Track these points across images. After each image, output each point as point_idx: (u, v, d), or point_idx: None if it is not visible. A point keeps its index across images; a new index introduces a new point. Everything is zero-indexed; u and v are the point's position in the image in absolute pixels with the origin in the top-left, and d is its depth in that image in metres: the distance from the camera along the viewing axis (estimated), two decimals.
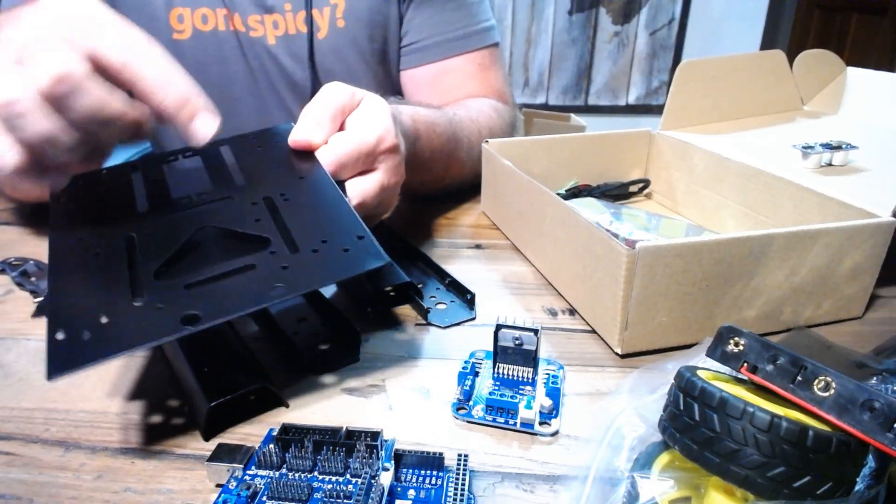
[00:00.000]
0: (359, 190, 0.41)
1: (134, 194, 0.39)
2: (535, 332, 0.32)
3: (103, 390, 0.34)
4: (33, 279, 0.45)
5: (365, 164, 0.41)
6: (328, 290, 0.45)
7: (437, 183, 0.62)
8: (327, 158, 0.39)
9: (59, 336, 0.28)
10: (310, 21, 0.68)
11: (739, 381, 0.25)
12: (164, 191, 0.39)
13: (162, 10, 0.66)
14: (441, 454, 0.26)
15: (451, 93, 0.71)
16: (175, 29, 0.67)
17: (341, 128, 0.42)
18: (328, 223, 0.34)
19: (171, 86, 0.35)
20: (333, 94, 0.41)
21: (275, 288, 0.30)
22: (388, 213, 0.48)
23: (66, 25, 0.33)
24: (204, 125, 0.36)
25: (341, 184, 0.40)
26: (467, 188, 0.65)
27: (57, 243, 0.35)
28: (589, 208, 0.54)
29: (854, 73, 0.61)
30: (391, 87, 0.76)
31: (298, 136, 0.40)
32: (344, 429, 0.27)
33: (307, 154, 0.40)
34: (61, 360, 0.26)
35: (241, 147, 0.43)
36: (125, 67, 0.34)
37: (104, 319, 0.29)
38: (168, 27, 0.67)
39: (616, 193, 0.61)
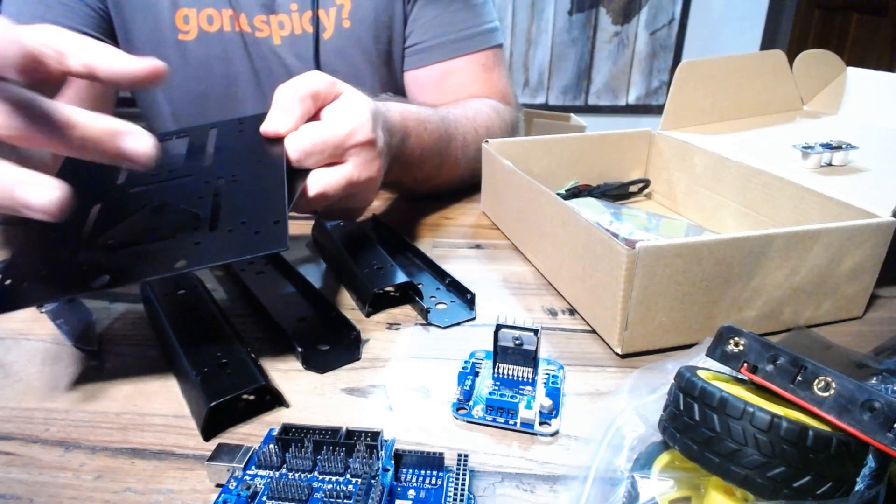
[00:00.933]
0: (322, 181, 0.41)
1: (119, 169, 0.41)
2: (535, 332, 0.32)
3: (103, 390, 0.34)
4: None
5: (332, 156, 0.41)
6: (328, 290, 0.45)
7: (429, 181, 0.61)
8: (292, 146, 0.40)
9: (6, 283, 0.32)
10: (316, 21, 0.68)
11: (739, 381, 0.25)
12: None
13: (167, 11, 0.66)
14: (441, 454, 0.26)
15: (454, 94, 0.71)
16: (180, 30, 0.67)
17: (318, 117, 0.43)
18: (257, 206, 0.36)
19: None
20: (306, 80, 0.42)
21: (178, 261, 0.32)
22: (366, 208, 0.48)
23: None
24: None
25: (305, 172, 0.41)
26: (467, 188, 0.65)
27: None
28: (589, 208, 0.54)
29: (854, 73, 0.61)
30: (396, 88, 0.76)
31: (267, 125, 0.41)
32: (344, 429, 0.27)
33: (277, 140, 0.41)
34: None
35: (226, 131, 0.45)
36: None
37: (43, 273, 0.33)
38: (173, 28, 0.67)
39: (616, 193, 0.61)
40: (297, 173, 0.40)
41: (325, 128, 0.41)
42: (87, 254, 0.34)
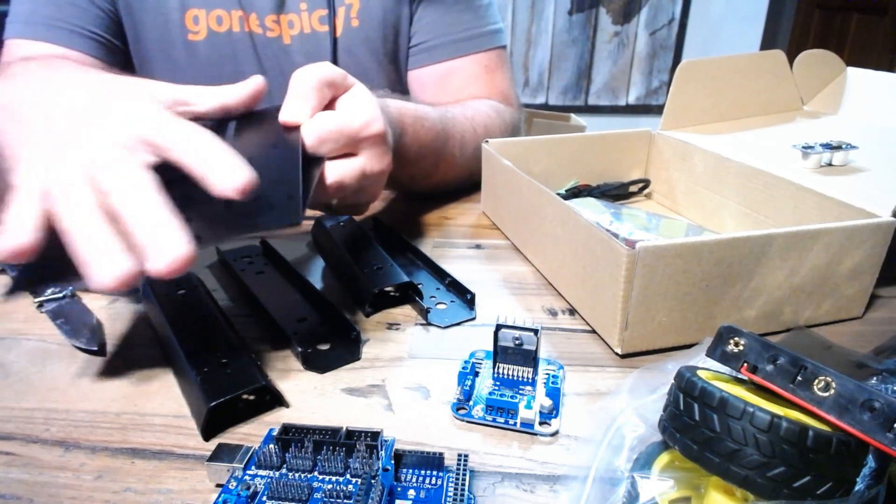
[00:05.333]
0: (338, 171, 0.41)
1: None
2: (535, 332, 0.32)
3: (103, 390, 0.34)
4: None
5: (347, 146, 0.42)
6: (328, 290, 0.45)
7: (426, 179, 0.61)
8: (309, 131, 0.40)
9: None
10: (331, 20, 0.68)
11: (739, 381, 0.25)
12: None
13: (177, 12, 0.66)
14: (441, 454, 0.26)
15: (456, 94, 0.71)
16: (190, 30, 0.67)
17: (331, 107, 0.43)
18: (272, 182, 0.36)
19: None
20: (321, 69, 0.42)
21: (195, 238, 0.32)
22: (373, 202, 0.48)
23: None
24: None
25: (320, 159, 0.41)
26: (467, 187, 0.65)
27: None
28: (589, 208, 0.54)
29: (854, 73, 0.61)
30: (403, 88, 0.76)
31: (286, 114, 0.41)
32: (344, 429, 0.27)
33: (294, 127, 0.41)
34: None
35: (245, 120, 0.45)
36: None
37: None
38: (183, 28, 0.67)
39: (616, 193, 0.61)
40: (312, 162, 0.40)
41: (341, 117, 0.41)
42: None
